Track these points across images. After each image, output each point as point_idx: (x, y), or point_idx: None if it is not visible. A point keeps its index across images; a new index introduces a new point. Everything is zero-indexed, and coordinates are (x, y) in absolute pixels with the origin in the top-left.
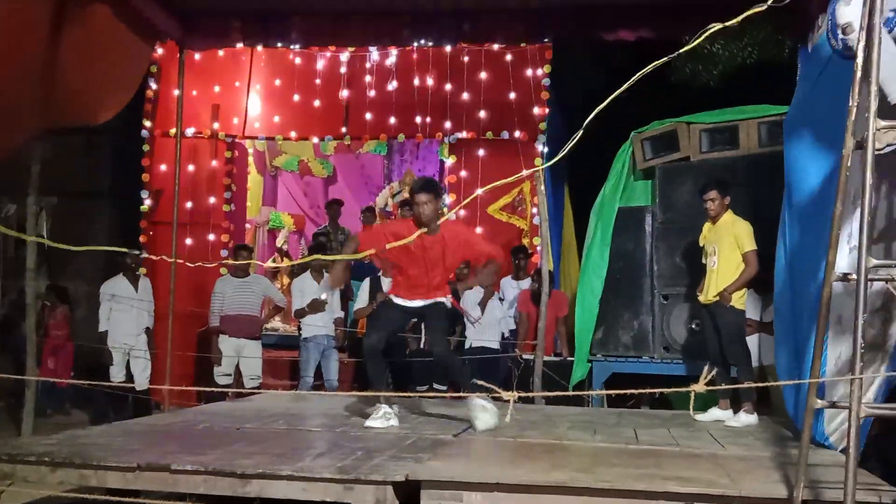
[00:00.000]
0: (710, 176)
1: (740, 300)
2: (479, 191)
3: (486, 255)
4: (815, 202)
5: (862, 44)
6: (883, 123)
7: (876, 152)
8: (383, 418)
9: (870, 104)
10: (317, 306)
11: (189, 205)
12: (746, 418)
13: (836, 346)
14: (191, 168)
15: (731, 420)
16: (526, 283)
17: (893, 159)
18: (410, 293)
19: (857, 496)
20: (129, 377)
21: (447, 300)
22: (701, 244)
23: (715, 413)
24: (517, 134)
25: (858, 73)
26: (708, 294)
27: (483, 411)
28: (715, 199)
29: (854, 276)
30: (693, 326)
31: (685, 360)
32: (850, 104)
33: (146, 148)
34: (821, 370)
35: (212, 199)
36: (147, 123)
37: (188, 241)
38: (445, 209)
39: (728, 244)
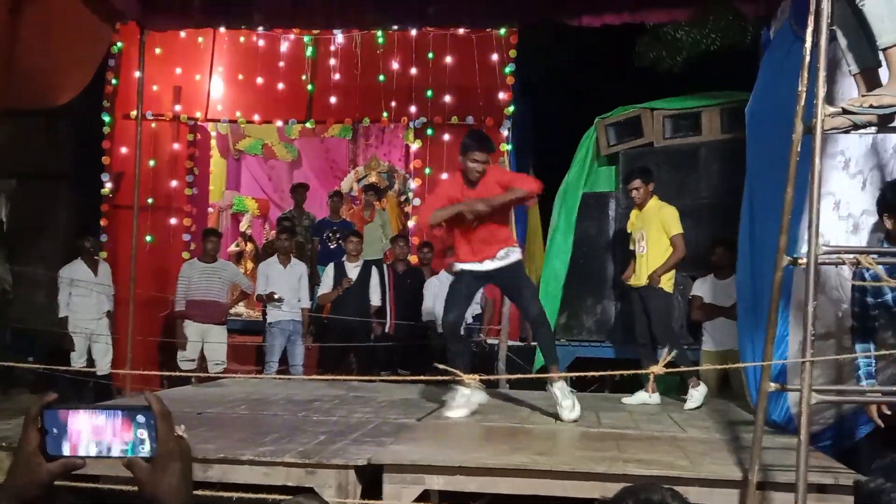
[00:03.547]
0: (635, 165)
1: (668, 283)
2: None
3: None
4: (777, 188)
5: (810, 28)
6: (831, 109)
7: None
8: (465, 406)
9: (818, 90)
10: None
11: (151, 188)
12: (699, 392)
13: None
14: (153, 151)
15: (690, 402)
16: None
17: None
18: (475, 254)
19: (811, 478)
20: (91, 363)
21: (519, 252)
22: (629, 231)
23: (641, 396)
24: (482, 118)
25: (807, 58)
26: (640, 278)
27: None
28: (639, 187)
29: (804, 261)
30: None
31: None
32: (800, 89)
33: (107, 131)
34: (780, 354)
35: (174, 183)
36: (107, 105)
37: (150, 225)
38: (410, 194)
39: (656, 229)
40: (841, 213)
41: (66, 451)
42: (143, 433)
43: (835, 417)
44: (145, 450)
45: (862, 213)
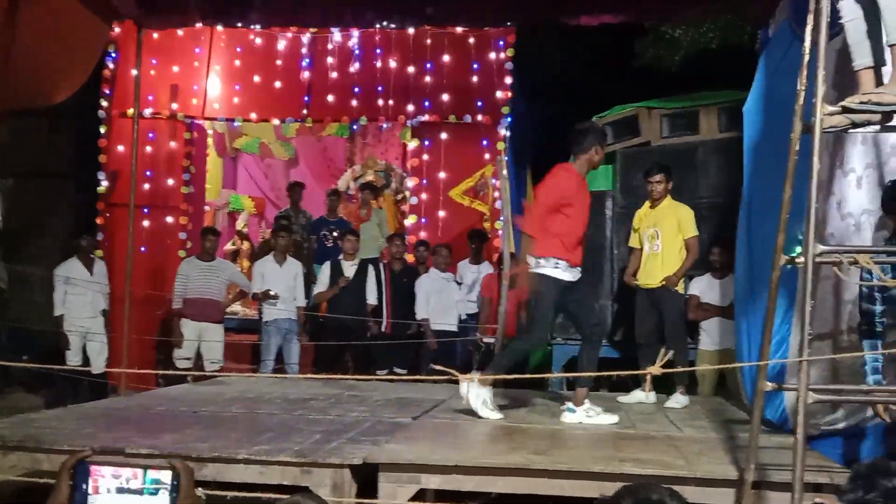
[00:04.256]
0: (656, 161)
1: (681, 285)
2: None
3: None
4: (775, 187)
5: (810, 27)
6: (830, 108)
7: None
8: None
9: (817, 89)
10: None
11: (147, 187)
12: (683, 399)
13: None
14: (149, 149)
15: (670, 402)
16: (484, 268)
17: None
18: (577, 253)
19: (806, 477)
20: (86, 361)
21: None
22: (635, 227)
23: (637, 395)
24: (480, 117)
25: (806, 57)
26: (652, 278)
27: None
28: (661, 181)
29: (801, 260)
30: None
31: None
32: (799, 88)
33: (104, 129)
34: (781, 353)
35: (170, 181)
36: (104, 104)
37: (146, 224)
38: (408, 193)
39: (670, 228)
40: (843, 213)
41: (116, 491)
42: (164, 494)
43: (843, 421)
44: None
45: (862, 213)
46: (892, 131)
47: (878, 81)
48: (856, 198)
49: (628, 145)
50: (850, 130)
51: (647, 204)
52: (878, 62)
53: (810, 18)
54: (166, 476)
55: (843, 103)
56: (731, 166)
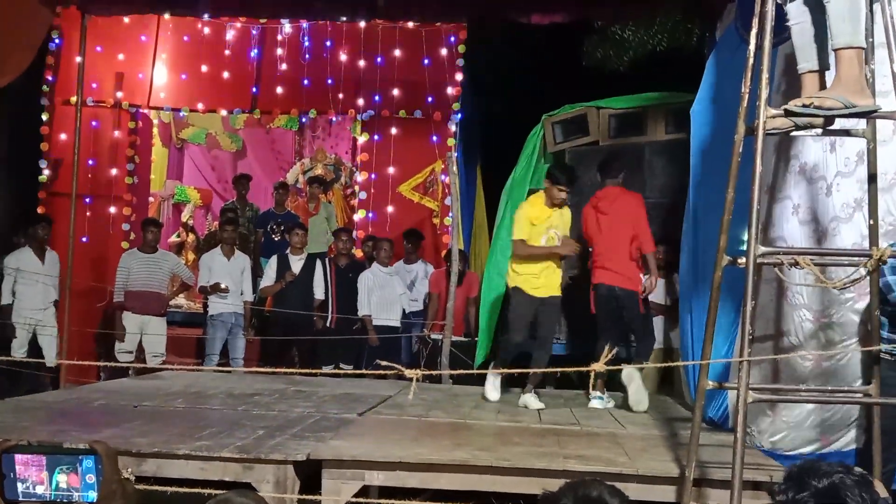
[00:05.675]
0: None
1: None
2: None
3: (649, 243)
4: (722, 189)
5: (754, 31)
6: (773, 111)
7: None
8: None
9: (761, 91)
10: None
11: (90, 176)
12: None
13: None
14: (92, 138)
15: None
16: (418, 267)
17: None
18: (610, 275)
19: (746, 475)
20: (34, 353)
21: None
22: (535, 223)
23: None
24: (430, 113)
25: (751, 60)
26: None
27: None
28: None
29: (743, 260)
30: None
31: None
32: (743, 90)
33: (46, 116)
34: (727, 353)
35: (113, 171)
36: (47, 91)
37: (88, 214)
38: (357, 187)
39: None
40: (801, 218)
41: (21, 496)
42: (91, 477)
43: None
44: (92, 494)
45: (831, 220)
46: (832, 135)
47: (822, 85)
48: (823, 205)
49: (577, 144)
50: (793, 133)
51: (542, 201)
52: (823, 66)
53: (755, 22)
54: (85, 476)
55: (785, 106)
56: (678, 167)
